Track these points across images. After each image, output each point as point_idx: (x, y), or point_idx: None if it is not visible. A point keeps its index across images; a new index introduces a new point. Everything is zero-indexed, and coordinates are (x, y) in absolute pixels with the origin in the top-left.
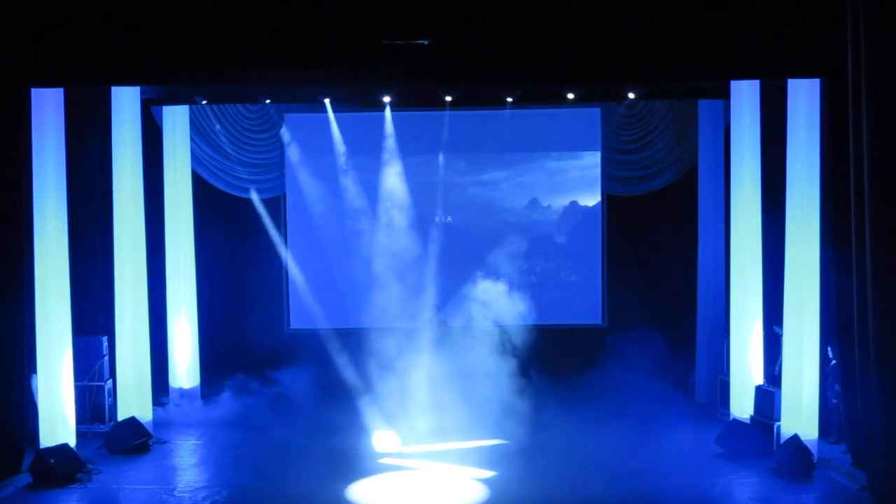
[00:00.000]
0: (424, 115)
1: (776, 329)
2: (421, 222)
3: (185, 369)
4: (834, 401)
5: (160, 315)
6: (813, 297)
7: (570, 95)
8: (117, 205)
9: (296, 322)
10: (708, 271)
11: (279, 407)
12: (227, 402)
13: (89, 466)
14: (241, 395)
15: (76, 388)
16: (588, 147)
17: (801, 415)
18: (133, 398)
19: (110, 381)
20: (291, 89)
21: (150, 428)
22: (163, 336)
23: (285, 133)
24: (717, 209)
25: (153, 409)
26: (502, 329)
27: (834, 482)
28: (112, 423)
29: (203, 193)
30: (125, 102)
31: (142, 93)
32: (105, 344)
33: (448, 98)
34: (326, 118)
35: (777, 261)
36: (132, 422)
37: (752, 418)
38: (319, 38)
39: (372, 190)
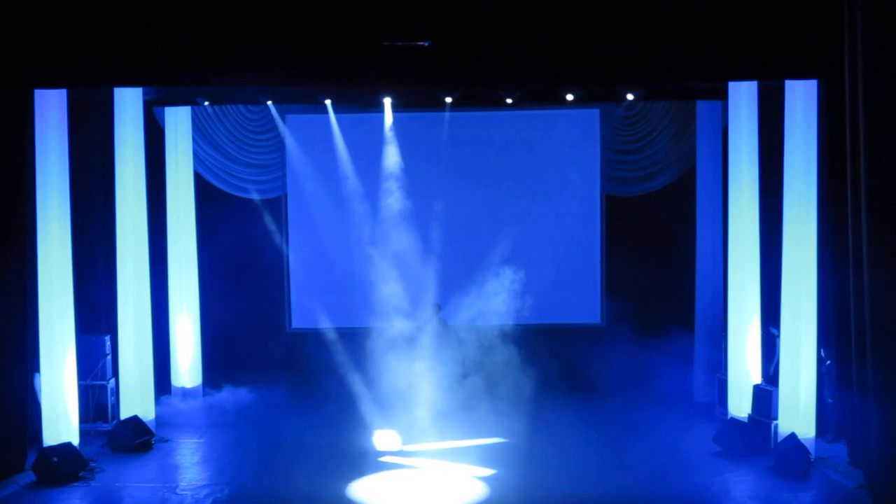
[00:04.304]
0: (425, 115)
1: (772, 330)
2: (421, 222)
3: (187, 368)
4: (830, 399)
5: (162, 314)
6: (810, 297)
7: (570, 97)
8: (120, 205)
9: (297, 322)
10: (706, 271)
11: (280, 406)
12: (228, 400)
13: (92, 465)
14: (242, 394)
15: (79, 386)
16: (587, 147)
17: (798, 413)
18: (135, 397)
19: (113, 380)
20: (292, 91)
21: (152, 427)
22: (165, 335)
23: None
24: (716, 209)
25: (155, 408)
26: (502, 328)
27: (831, 480)
28: (115, 422)
29: (205, 193)
30: (127, 103)
31: (144, 94)
32: (108, 343)
33: (448, 99)
34: (327, 119)
35: (775, 260)
36: (135, 420)
37: (749, 417)
38: (320, 41)
39: (372, 190)
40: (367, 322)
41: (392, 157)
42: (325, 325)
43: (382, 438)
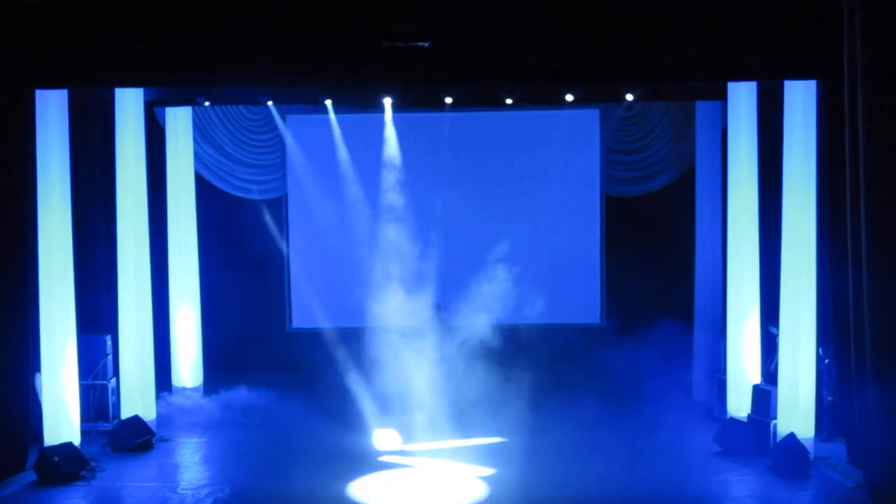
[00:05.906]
0: (425, 115)
1: (772, 329)
2: (421, 222)
3: (188, 368)
4: (829, 398)
5: (163, 314)
6: (809, 296)
7: (570, 97)
8: (121, 204)
9: (297, 321)
10: (705, 271)
11: (281, 405)
12: (229, 400)
13: (93, 464)
14: (243, 394)
15: (80, 386)
16: (587, 147)
17: (797, 413)
18: (136, 396)
19: (114, 380)
20: (292, 91)
21: (153, 426)
22: (166, 335)
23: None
24: (715, 209)
25: (156, 407)
26: (502, 328)
27: (830, 480)
28: (115, 422)
29: (206, 193)
30: (128, 103)
31: (145, 94)
32: (108, 342)
33: (448, 99)
34: (328, 119)
35: (774, 260)
36: (135, 420)
37: (749, 417)
38: (321, 41)
39: (372, 190)
40: (366, 322)
41: (392, 157)
42: (325, 324)
43: (382, 438)
